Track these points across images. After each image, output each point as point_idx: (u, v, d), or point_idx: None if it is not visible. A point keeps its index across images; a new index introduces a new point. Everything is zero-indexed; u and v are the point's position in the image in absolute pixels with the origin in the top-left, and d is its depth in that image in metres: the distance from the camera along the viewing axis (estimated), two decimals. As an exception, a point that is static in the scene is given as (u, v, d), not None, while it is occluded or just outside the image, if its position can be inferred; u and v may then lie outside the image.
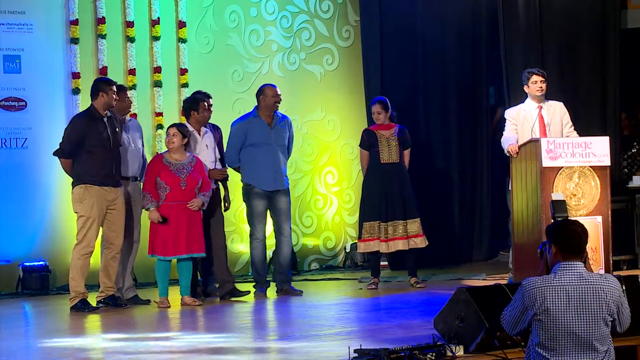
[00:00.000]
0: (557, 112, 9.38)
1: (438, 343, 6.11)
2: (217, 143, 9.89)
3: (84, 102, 10.47)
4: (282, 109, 11.06)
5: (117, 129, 9.14)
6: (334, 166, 12.52)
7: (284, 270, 9.99)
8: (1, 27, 10.72)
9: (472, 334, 6.19)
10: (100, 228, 9.10)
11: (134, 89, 11.22)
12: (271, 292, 9.98)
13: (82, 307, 8.91)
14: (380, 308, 9.16)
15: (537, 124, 9.36)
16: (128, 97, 9.59)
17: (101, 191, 8.99)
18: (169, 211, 9.08)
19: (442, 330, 6.38)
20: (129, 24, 11.29)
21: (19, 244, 10.31)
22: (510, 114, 9.49)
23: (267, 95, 9.92)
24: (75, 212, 9.05)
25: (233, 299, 9.60)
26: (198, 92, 9.87)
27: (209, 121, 9.89)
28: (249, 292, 9.79)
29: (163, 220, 9.04)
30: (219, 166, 9.76)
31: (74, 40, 10.96)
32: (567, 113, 9.45)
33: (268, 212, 9.94)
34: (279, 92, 9.93)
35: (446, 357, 6.02)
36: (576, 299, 4.89)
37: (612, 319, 4.94)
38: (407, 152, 10.31)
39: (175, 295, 9.32)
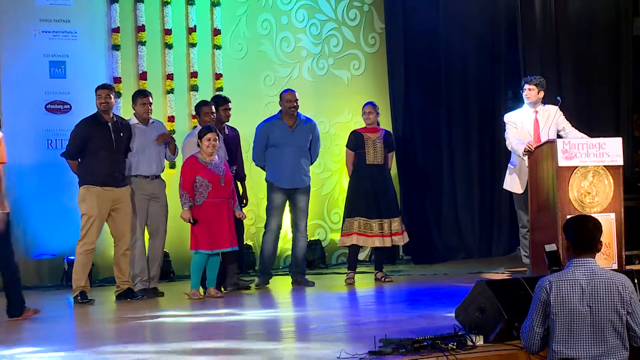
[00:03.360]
0: (551, 116, 9.46)
1: (459, 333, 6.10)
2: (235, 145, 9.94)
3: (124, 105, 10.56)
4: (311, 112, 11.11)
5: (121, 134, 9.19)
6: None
7: (299, 263, 10.13)
8: (47, 35, 10.79)
9: (491, 325, 6.18)
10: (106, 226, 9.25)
11: (172, 93, 11.29)
12: (286, 283, 10.17)
13: (81, 300, 8.98)
14: (404, 300, 9.17)
15: (532, 127, 9.44)
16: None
17: (103, 191, 9.05)
18: (212, 208, 9.13)
19: (462, 320, 6.38)
20: (167, 32, 11.33)
21: (64, 239, 10.34)
22: (509, 118, 9.66)
23: (283, 100, 10.09)
24: (80, 211, 9.13)
25: (237, 289, 9.74)
26: (216, 97, 10.11)
27: (228, 123, 10.03)
28: (250, 283, 9.93)
29: (193, 222, 9.09)
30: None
31: (116, 47, 11.02)
32: (562, 115, 9.56)
33: (288, 208, 10.08)
34: (295, 98, 10.03)
35: (467, 346, 6.00)
36: (590, 292, 4.87)
37: (625, 312, 4.89)
38: (391, 155, 10.31)
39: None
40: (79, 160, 9.22)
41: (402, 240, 10.21)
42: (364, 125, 10.25)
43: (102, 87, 9.31)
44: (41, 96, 10.72)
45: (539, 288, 4.95)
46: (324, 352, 6.13)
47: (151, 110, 9.59)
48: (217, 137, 9.21)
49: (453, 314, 6.53)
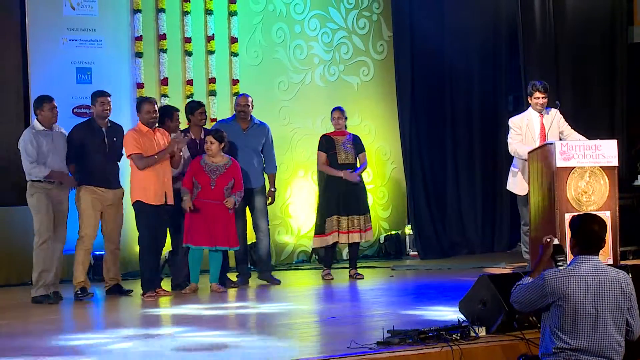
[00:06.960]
0: (554, 118, 9.43)
1: (463, 324, 6.13)
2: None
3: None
4: (322, 116, 11.10)
5: (115, 139, 9.14)
6: (369, 166, 12.44)
7: (264, 262, 9.98)
8: (75, 43, 10.82)
9: (493, 317, 6.19)
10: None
11: (192, 98, 11.27)
12: (296, 278, 10.03)
13: (81, 295, 8.95)
14: (411, 293, 9.15)
15: (538, 130, 9.41)
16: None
17: (97, 191, 9.01)
18: (199, 207, 9.16)
19: (466, 313, 6.38)
20: (187, 40, 11.35)
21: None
22: (514, 121, 9.58)
23: (236, 103, 10.02)
24: (77, 210, 9.09)
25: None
26: (191, 102, 10.05)
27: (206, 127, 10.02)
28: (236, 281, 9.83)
29: (194, 210, 9.12)
30: None
31: (139, 55, 11.05)
32: (562, 118, 9.53)
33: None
34: (246, 102, 9.87)
35: (470, 337, 6.02)
36: (595, 288, 4.86)
37: (628, 306, 4.91)
38: (362, 156, 10.22)
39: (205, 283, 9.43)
40: (75, 164, 9.13)
41: (368, 236, 10.17)
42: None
43: (104, 94, 9.18)
44: (68, 101, 10.72)
45: (545, 279, 4.91)
46: (334, 342, 6.14)
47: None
48: (213, 141, 9.23)
49: (457, 307, 6.54)
